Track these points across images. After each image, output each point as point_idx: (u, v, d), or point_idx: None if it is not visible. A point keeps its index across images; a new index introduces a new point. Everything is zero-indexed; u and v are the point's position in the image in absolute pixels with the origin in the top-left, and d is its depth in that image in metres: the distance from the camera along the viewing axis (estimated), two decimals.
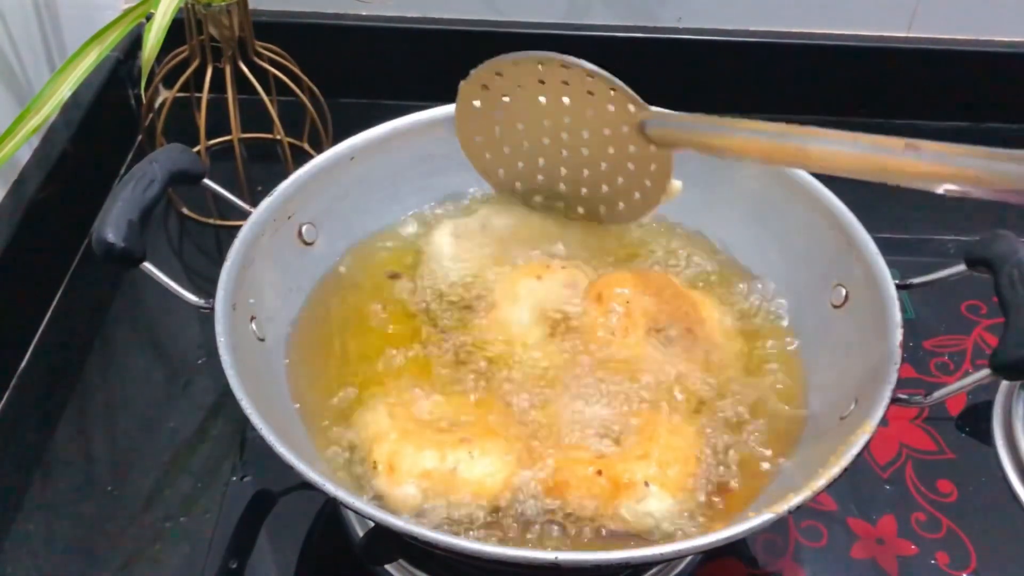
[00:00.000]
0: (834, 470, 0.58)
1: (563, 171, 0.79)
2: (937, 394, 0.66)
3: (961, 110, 1.25)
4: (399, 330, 0.76)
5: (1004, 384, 0.89)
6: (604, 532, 0.63)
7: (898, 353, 0.64)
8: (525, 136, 0.78)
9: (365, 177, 0.81)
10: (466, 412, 0.69)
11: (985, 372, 0.63)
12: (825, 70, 1.21)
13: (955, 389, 0.65)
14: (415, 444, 0.65)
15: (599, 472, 0.64)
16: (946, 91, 1.24)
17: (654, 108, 0.72)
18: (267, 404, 0.64)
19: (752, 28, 1.19)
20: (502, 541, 0.63)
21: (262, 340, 0.71)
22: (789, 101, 1.23)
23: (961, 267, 0.71)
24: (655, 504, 0.63)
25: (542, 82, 0.74)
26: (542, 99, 0.75)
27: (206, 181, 0.76)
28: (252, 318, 0.70)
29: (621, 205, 0.79)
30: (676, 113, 0.72)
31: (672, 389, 0.71)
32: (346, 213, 0.81)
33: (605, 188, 0.78)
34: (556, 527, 0.64)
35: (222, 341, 0.64)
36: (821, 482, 0.57)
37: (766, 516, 0.56)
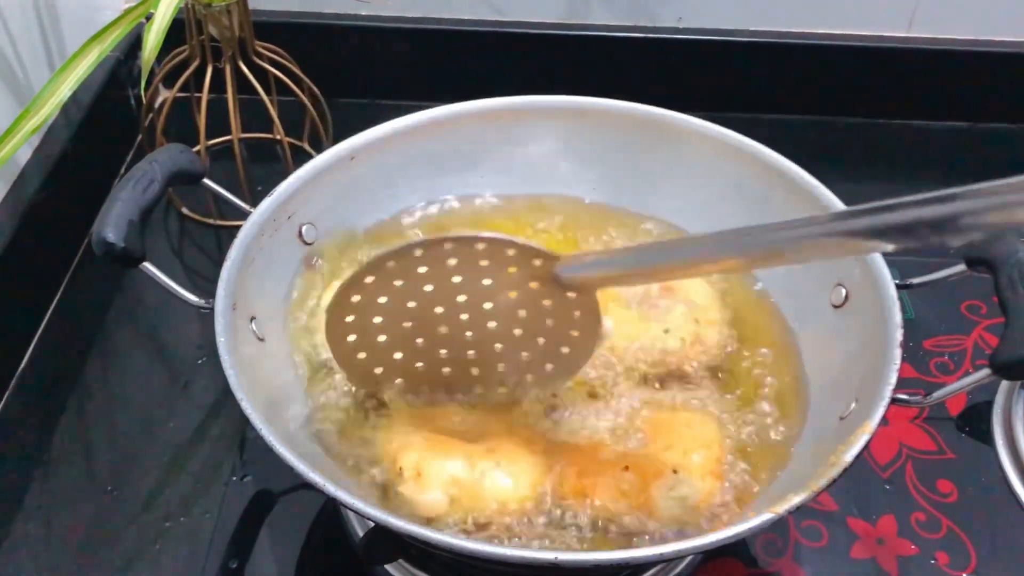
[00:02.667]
0: (834, 470, 0.58)
1: (471, 354, 0.68)
2: (937, 394, 0.66)
3: (961, 110, 1.25)
4: None
5: (1004, 384, 0.89)
6: (635, 530, 0.63)
7: (898, 353, 0.64)
8: (417, 332, 0.67)
9: (365, 177, 0.81)
10: (488, 420, 0.69)
11: (985, 372, 0.63)
12: (825, 70, 1.21)
13: (955, 389, 0.65)
14: (443, 452, 0.65)
15: (626, 468, 0.64)
16: (946, 91, 1.24)
17: (562, 255, 0.63)
18: (267, 404, 0.64)
19: (752, 28, 1.19)
20: (528, 544, 0.63)
21: (262, 340, 0.71)
22: (789, 101, 1.23)
23: (961, 267, 0.71)
24: (687, 489, 0.63)
25: (424, 269, 0.64)
26: (428, 288, 0.65)
27: (206, 181, 0.76)
28: (252, 318, 0.70)
29: (549, 367, 0.69)
30: (588, 253, 0.67)
31: (674, 377, 0.72)
32: (346, 213, 0.82)
33: (525, 355, 0.68)
34: (587, 530, 0.64)
35: (222, 341, 0.64)
36: (821, 482, 0.57)
37: (766, 516, 0.55)
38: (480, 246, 0.63)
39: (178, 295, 0.69)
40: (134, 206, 0.68)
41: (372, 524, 0.58)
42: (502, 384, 0.70)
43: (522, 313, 0.66)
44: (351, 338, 0.66)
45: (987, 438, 0.86)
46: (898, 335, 0.66)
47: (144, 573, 0.75)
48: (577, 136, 0.86)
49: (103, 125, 1.08)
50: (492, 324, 0.67)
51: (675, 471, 0.64)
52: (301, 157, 0.99)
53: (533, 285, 0.64)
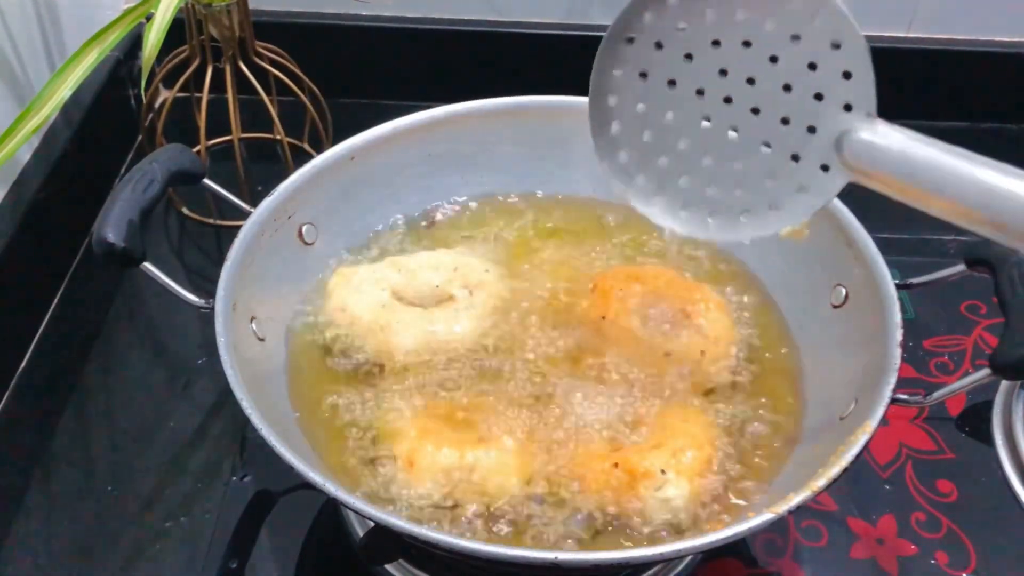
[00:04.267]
0: (834, 470, 0.58)
1: (690, 145, 0.59)
2: (937, 394, 0.66)
3: (960, 110, 1.25)
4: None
5: (1004, 384, 0.89)
6: (621, 525, 0.64)
7: (898, 353, 0.64)
8: (674, 103, 0.58)
9: (365, 177, 0.82)
10: (479, 409, 0.70)
11: (985, 372, 0.63)
12: None
13: (955, 389, 0.66)
14: (434, 442, 0.66)
15: (616, 464, 0.64)
16: (945, 91, 1.23)
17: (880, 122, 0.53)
18: (267, 404, 0.64)
19: None
20: (518, 539, 0.63)
21: (262, 340, 0.71)
22: None
23: (961, 267, 0.71)
24: (673, 491, 0.63)
25: (747, 41, 0.54)
26: (726, 53, 0.55)
27: (206, 181, 0.76)
28: (252, 318, 0.70)
29: (743, 219, 0.59)
30: (905, 135, 0.53)
31: (676, 376, 0.72)
32: (346, 213, 0.81)
33: (739, 193, 0.59)
34: (574, 523, 0.64)
35: (222, 341, 0.64)
36: (821, 482, 0.57)
37: (766, 516, 0.56)
38: (832, 48, 0.52)
39: (178, 295, 0.69)
40: (134, 206, 0.68)
41: (372, 524, 0.58)
42: (688, 206, 0.61)
43: (766, 150, 0.56)
44: (616, 72, 0.59)
45: (987, 438, 0.85)
46: (898, 335, 0.66)
47: (144, 573, 0.75)
48: (578, 135, 0.86)
49: (103, 125, 1.08)
50: (733, 135, 0.57)
51: (663, 471, 0.64)
52: (301, 157, 0.99)
53: (804, 133, 0.54)
